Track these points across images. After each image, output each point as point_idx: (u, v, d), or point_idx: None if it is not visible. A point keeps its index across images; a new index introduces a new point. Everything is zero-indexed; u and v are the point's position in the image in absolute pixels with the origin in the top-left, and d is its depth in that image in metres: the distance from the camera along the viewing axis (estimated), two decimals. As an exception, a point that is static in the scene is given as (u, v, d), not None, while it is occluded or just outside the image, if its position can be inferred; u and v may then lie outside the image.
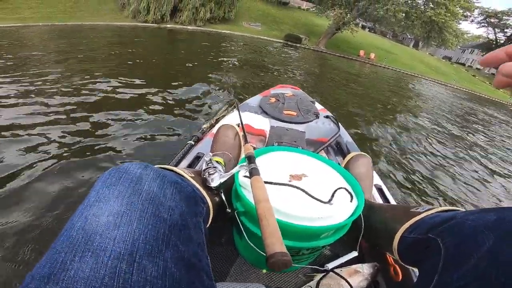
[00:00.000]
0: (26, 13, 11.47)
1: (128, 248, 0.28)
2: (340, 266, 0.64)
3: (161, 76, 4.73)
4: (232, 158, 0.78)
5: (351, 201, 0.61)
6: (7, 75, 3.64)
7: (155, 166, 0.46)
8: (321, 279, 0.62)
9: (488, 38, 32.62)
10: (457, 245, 0.37)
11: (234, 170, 0.60)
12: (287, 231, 0.52)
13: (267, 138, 1.18)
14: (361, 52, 18.95)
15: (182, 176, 0.52)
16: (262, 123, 1.28)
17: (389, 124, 4.51)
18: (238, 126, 0.92)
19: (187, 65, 6.01)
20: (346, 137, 1.43)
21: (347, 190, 0.64)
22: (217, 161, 0.65)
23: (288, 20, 22.23)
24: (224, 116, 1.55)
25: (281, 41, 17.59)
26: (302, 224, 0.52)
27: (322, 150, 1.24)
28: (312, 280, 0.64)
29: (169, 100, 3.45)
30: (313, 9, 22.15)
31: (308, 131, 1.30)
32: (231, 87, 4.45)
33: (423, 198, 2.45)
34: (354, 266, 0.65)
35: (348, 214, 0.58)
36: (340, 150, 1.33)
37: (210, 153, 0.69)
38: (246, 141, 0.74)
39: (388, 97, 7.70)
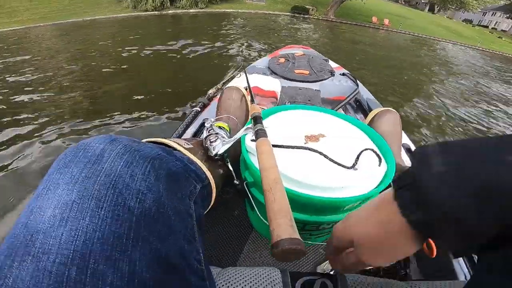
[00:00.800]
0: (24, 15, 11.28)
1: (79, 249, 0.21)
2: None
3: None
4: (238, 123, 0.70)
5: (379, 165, 0.51)
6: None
7: (143, 140, 0.38)
8: None
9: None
10: None
11: (238, 134, 0.53)
12: (304, 204, 0.45)
13: (278, 99, 1.13)
14: (374, 19, 17.82)
15: (173, 148, 0.41)
16: (272, 84, 1.20)
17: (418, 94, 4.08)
18: (246, 89, 0.81)
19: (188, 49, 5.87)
20: (366, 94, 1.32)
21: (374, 151, 0.54)
22: (220, 127, 0.59)
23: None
24: (230, 80, 1.47)
25: (288, 13, 16.88)
26: (322, 195, 0.44)
27: (340, 109, 1.15)
28: None
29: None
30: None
31: (323, 90, 1.23)
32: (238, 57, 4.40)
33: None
34: None
35: (377, 181, 0.49)
36: (360, 107, 1.23)
37: (212, 119, 0.62)
38: (253, 102, 0.64)
39: (416, 63, 7.05)
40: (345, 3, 17.74)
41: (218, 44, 6.52)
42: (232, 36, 7.67)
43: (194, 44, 6.29)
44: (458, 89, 4.99)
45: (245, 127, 0.54)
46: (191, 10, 16.35)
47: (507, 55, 18.13)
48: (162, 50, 5.80)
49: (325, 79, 1.32)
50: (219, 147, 0.49)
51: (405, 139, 1.04)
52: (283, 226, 0.28)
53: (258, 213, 0.47)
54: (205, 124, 0.56)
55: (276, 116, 0.64)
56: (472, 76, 6.80)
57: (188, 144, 0.46)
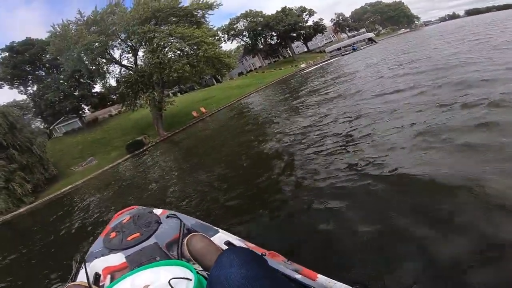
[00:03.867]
0: None
1: None
2: None
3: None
4: None
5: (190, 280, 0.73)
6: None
7: None
8: None
9: (242, 44, 44.93)
10: None
11: None
12: None
13: (130, 269, 1.21)
14: (194, 113, 21.25)
15: None
16: (118, 259, 1.29)
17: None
18: (97, 276, 0.99)
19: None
20: (189, 221, 1.60)
21: (179, 277, 0.76)
22: None
23: (113, 133, 21.36)
24: (75, 276, 1.50)
25: (127, 156, 16.70)
26: None
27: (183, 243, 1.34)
28: None
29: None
30: (124, 108, 22.01)
31: (160, 239, 1.37)
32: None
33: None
34: None
35: None
36: (189, 232, 1.48)
37: None
38: None
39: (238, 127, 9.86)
40: (165, 114, 19.71)
41: (62, 235, 6.26)
42: (70, 219, 7.36)
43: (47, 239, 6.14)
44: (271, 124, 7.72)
45: None
46: (21, 210, 13.31)
47: (277, 79, 27.28)
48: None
49: (156, 231, 1.44)
50: None
51: (227, 236, 1.40)
52: None
53: None
54: None
55: None
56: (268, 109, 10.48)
57: None
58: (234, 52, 25.42)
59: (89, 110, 30.42)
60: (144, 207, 1.94)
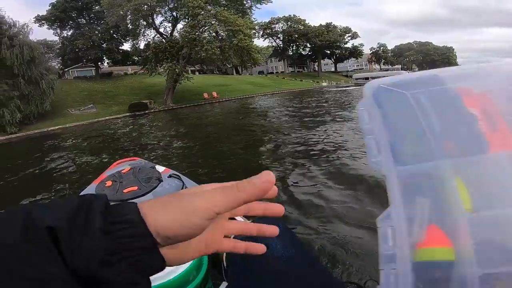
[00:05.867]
0: None
1: None
2: None
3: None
4: None
5: None
6: None
7: None
8: None
9: (273, 45, 45.13)
10: None
11: None
12: None
13: None
14: (205, 95, 21.25)
15: None
16: None
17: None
18: None
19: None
20: (190, 185, 1.49)
21: None
22: None
23: (122, 90, 21.44)
24: None
25: (127, 114, 16.77)
26: None
27: None
28: None
29: None
30: (142, 71, 22.40)
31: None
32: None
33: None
34: None
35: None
36: None
37: None
38: None
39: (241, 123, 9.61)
40: (178, 88, 19.97)
41: (43, 173, 5.83)
42: (61, 160, 6.86)
43: (13, 179, 5.43)
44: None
45: None
46: (0, 138, 12.98)
47: (294, 90, 27.11)
48: None
49: (155, 188, 1.35)
50: None
51: None
52: None
53: None
54: None
55: None
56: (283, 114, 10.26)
57: None
58: (264, 50, 25.94)
59: (107, 64, 30.84)
60: (146, 161, 1.79)
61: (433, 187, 0.24)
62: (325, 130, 6.82)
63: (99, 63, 28.05)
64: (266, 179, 0.23)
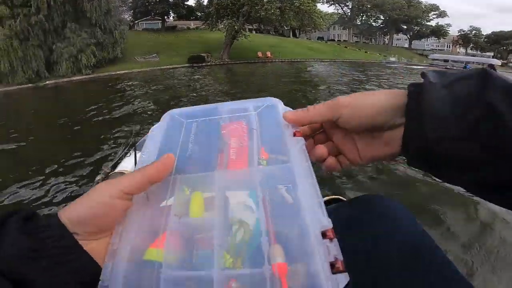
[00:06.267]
0: None
1: None
2: None
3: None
4: None
5: None
6: None
7: None
8: None
9: (339, 13, 40.86)
10: None
11: None
12: None
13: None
14: (259, 53, 20.90)
15: None
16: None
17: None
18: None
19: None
20: None
21: None
22: None
23: (183, 43, 22.39)
24: (120, 161, 1.44)
25: (186, 65, 17.70)
26: None
27: None
28: None
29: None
30: (203, 26, 23.08)
31: None
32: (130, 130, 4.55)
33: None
34: None
35: None
36: None
37: None
38: None
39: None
40: (234, 44, 20.16)
41: (112, 112, 6.38)
42: (127, 100, 7.55)
43: (85, 116, 6.06)
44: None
45: None
46: (75, 78, 15.00)
47: (356, 60, 24.67)
48: (45, 127, 5.56)
49: None
50: None
51: None
52: None
53: None
54: None
55: None
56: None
57: None
58: (328, 16, 24.21)
59: (173, 18, 32.36)
60: None
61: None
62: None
63: (166, 16, 29.72)
64: (162, 162, 0.27)
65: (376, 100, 0.26)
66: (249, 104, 0.38)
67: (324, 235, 0.21)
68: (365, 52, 33.70)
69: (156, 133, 0.36)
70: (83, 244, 0.22)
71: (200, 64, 17.69)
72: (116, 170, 1.02)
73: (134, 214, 0.26)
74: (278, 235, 0.23)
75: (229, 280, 0.21)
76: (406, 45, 46.65)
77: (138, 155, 1.08)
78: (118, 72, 16.11)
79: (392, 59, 33.33)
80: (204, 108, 0.39)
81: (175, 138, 0.35)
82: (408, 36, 43.01)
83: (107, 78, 14.64)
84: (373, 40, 45.45)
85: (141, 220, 0.26)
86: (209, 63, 18.09)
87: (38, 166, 3.55)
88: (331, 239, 0.21)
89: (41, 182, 3.16)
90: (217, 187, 0.28)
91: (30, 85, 13.25)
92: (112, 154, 3.54)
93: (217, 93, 8.33)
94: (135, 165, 0.83)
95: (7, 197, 2.87)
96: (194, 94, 8.48)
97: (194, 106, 0.41)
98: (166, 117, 0.38)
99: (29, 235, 0.20)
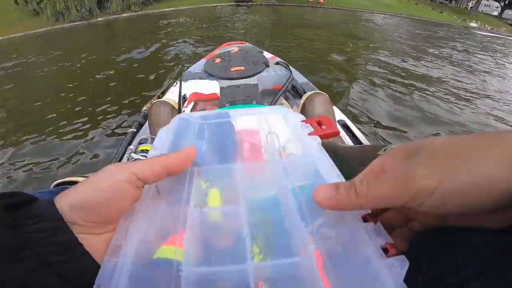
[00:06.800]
0: None
1: None
2: None
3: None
4: None
5: None
6: None
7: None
8: None
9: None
10: None
11: None
12: None
13: (220, 100, 1.14)
14: (311, -3, 19.17)
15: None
16: (211, 87, 1.21)
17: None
18: (184, 98, 0.85)
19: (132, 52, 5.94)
20: (300, 78, 1.46)
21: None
22: (143, 150, 0.52)
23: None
24: (166, 91, 1.48)
25: (232, 3, 17.18)
26: None
27: (281, 97, 1.24)
28: None
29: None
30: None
31: (261, 82, 1.25)
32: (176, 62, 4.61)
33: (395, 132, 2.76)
34: None
35: None
36: (297, 92, 1.36)
37: (132, 146, 0.58)
38: (180, 113, 0.62)
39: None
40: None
41: (159, 47, 6.48)
42: (173, 37, 7.61)
43: (133, 50, 6.23)
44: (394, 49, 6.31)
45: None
46: (124, 15, 15.65)
47: (426, 19, 21.13)
48: (100, 60, 5.77)
49: (261, 72, 1.32)
50: None
51: (340, 115, 1.15)
52: None
53: None
54: (127, 151, 0.51)
55: None
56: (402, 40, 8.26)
57: None
58: None
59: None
60: (254, 46, 1.81)
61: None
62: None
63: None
64: (185, 152, 0.24)
65: (486, 175, 0.15)
66: (261, 110, 0.39)
67: (364, 219, 0.19)
68: (440, 12, 28.58)
69: (166, 132, 0.34)
70: (82, 239, 0.19)
71: (246, 3, 17.01)
72: (158, 100, 1.11)
73: (143, 206, 0.23)
74: (309, 225, 0.21)
75: (261, 273, 0.19)
76: (496, 13, 38.40)
77: (187, 83, 1.16)
78: (164, 10, 16.37)
79: (473, 24, 27.84)
80: (215, 112, 0.40)
81: (187, 135, 0.34)
82: (502, 3, 35.00)
83: (154, 15, 15.05)
84: (453, 1, 38.08)
85: (152, 214, 0.23)
86: (255, 3, 17.27)
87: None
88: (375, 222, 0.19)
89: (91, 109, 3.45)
90: (237, 179, 0.27)
91: (84, 22, 14.31)
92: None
93: (263, 31, 8.17)
94: (179, 97, 0.83)
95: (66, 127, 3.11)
96: (240, 31, 8.35)
97: (205, 111, 0.40)
98: (175, 120, 0.38)
99: (14, 228, 0.16)
